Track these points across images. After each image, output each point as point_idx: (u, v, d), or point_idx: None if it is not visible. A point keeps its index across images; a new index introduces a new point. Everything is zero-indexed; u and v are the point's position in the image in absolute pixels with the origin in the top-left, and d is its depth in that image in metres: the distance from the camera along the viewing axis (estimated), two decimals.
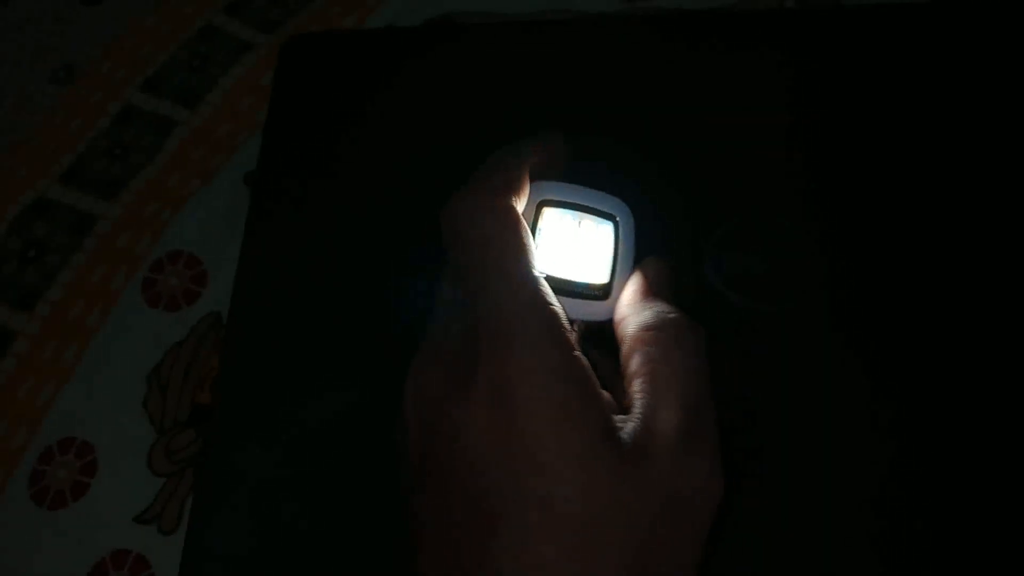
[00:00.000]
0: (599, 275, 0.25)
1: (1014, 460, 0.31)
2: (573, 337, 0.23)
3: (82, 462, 0.36)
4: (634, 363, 0.23)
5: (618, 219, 0.26)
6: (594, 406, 0.21)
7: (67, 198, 0.43)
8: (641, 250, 0.26)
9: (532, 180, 0.26)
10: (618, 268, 0.25)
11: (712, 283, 0.35)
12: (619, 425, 0.22)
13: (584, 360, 0.22)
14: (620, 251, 0.26)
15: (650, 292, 0.25)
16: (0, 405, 0.37)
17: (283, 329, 0.36)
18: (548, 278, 0.24)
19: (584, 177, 0.26)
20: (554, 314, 0.22)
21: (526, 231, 0.24)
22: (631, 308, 0.25)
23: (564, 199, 0.26)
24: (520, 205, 0.25)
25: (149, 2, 0.50)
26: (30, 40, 0.49)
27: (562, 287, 0.25)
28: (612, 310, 0.25)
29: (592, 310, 0.25)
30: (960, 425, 0.31)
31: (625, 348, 0.24)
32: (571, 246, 0.25)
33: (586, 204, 0.26)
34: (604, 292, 0.25)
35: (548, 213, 0.25)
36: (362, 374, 0.34)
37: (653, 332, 0.23)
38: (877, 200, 0.36)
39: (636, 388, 0.23)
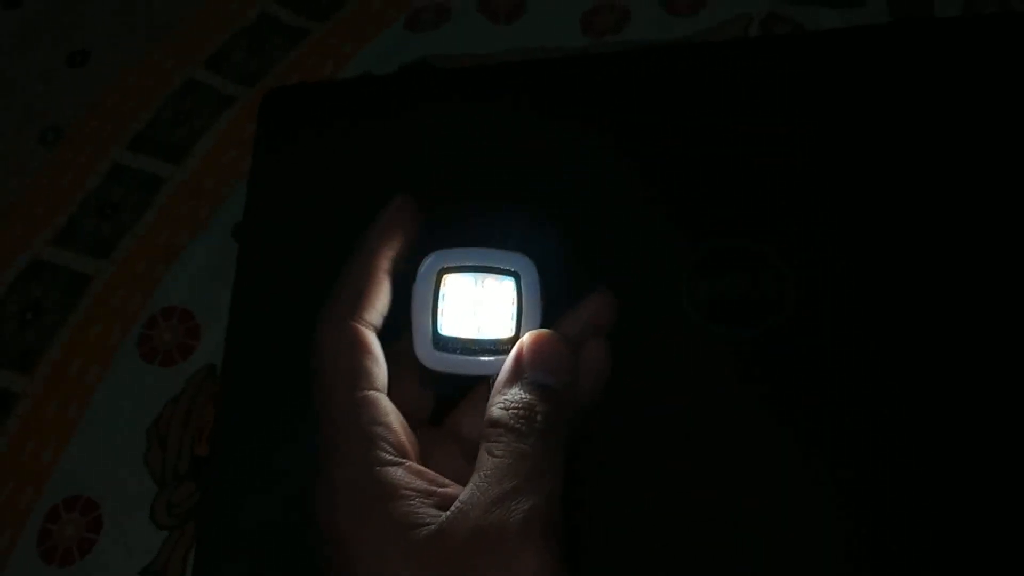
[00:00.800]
0: (504, 330, 0.27)
1: (1011, 466, 0.32)
2: (390, 453, 0.25)
3: (88, 519, 0.37)
4: (480, 452, 0.25)
5: (519, 273, 0.27)
6: (388, 512, 0.24)
7: (61, 259, 0.44)
8: (549, 297, 0.28)
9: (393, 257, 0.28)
10: (523, 320, 0.27)
11: (687, 311, 0.36)
12: (425, 519, 0.23)
13: (392, 474, 0.24)
14: (524, 304, 0.27)
15: (511, 377, 0.26)
16: (6, 466, 0.39)
17: (275, 378, 0.37)
18: (455, 340, 0.27)
19: (487, 238, 0.28)
20: (362, 438, 0.25)
21: (362, 354, 0.26)
22: (493, 396, 0.26)
23: (463, 263, 0.27)
24: (373, 316, 0.27)
25: (132, 60, 0.51)
26: (17, 103, 0.51)
27: (470, 347, 0.27)
28: None
29: (502, 363, 0.26)
30: (946, 450, 0.32)
31: (481, 434, 0.25)
32: (474, 306, 0.27)
33: (486, 264, 0.27)
34: (512, 344, 0.26)
35: (449, 279, 0.27)
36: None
37: (495, 427, 0.25)
38: (849, 221, 0.37)
39: (470, 481, 0.24)
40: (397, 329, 0.28)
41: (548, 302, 0.28)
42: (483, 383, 0.29)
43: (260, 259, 0.40)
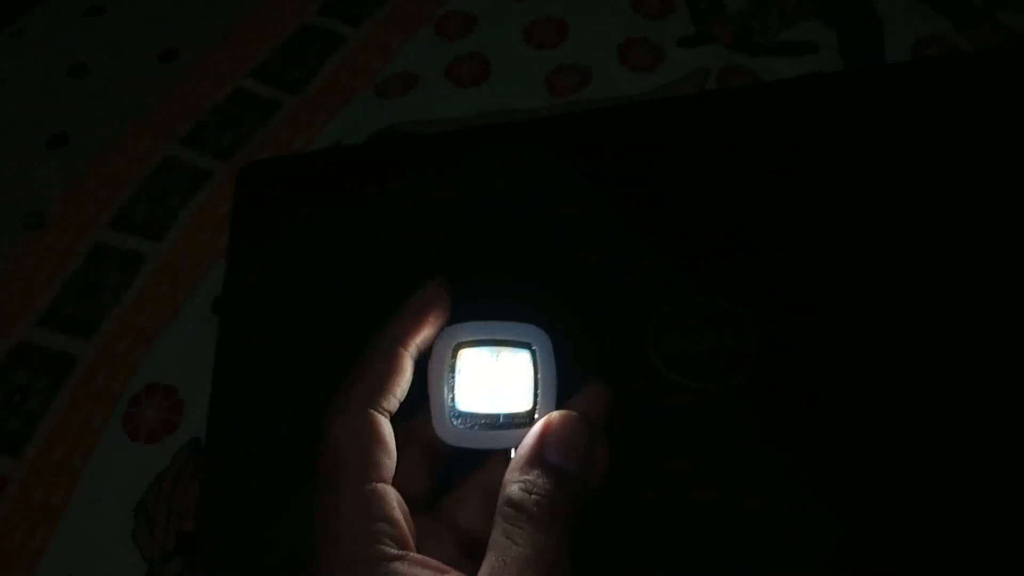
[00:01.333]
0: (522, 403, 0.27)
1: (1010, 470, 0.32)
2: (393, 547, 0.25)
3: None
4: (493, 530, 0.25)
5: (534, 346, 0.27)
6: None
7: (45, 340, 0.45)
8: (562, 370, 0.28)
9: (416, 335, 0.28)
10: (540, 392, 0.27)
11: (655, 365, 0.37)
12: None
13: (396, 568, 0.24)
14: (540, 376, 0.27)
15: (532, 458, 0.26)
16: None
17: (259, 452, 0.38)
18: (473, 415, 0.27)
19: (498, 311, 0.28)
20: (369, 534, 0.25)
21: (374, 444, 0.26)
22: (511, 474, 0.26)
23: (478, 337, 0.27)
24: (390, 402, 0.27)
25: (110, 141, 0.52)
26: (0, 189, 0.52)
27: (488, 422, 0.27)
28: None
29: (520, 437, 0.26)
30: (926, 475, 0.33)
31: (496, 511, 0.26)
32: (491, 380, 0.27)
33: (501, 337, 0.27)
34: (529, 418, 0.27)
35: (464, 354, 0.27)
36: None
37: (514, 508, 0.25)
38: (812, 271, 0.38)
39: (487, 556, 0.25)
40: (403, 410, 0.29)
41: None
42: (474, 473, 0.29)
43: (241, 332, 0.41)
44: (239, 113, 0.52)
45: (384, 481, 0.26)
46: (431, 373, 0.28)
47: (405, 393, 0.28)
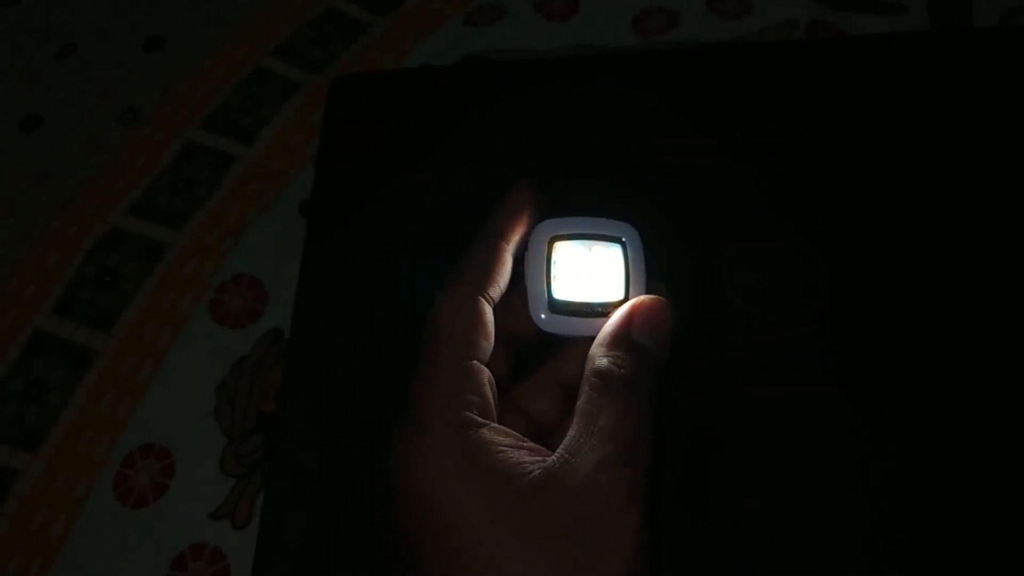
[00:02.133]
0: (615, 294, 0.28)
1: (1014, 462, 0.33)
2: (475, 418, 0.26)
3: (161, 465, 0.39)
4: (580, 400, 0.26)
5: (625, 240, 0.29)
6: (490, 467, 0.25)
7: (137, 228, 0.47)
8: (651, 265, 0.29)
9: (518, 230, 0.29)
10: (631, 284, 0.28)
11: (727, 294, 0.38)
12: (528, 467, 0.25)
13: (483, 434, 0.26)
14: (631, 269, 0.28)
15: (620, 336, 0.27)
16: (84, 417, 0.41)
17: (340, 342, 0.40)
18: (568, 303, 0.28)
19: (590, 209, 0.29)
20: (460, 403, 0.26)
21: (477, 326, 0.27)
22: (599, 348, 0.27)
23: (572, 231, 0.29)
24: (495, 291, 0.28)
25: (205, 47, 0.54)
26: (97, 85, 0.54)
27: (582, 310, 0.28)
28: None
29: None
30: (966, 428, 0.34)
31: (582, 381, 0.27)
32: (585, 271, 0.28)
33: (594, 232, 0.29)
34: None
35: (560, 246, 0.29)
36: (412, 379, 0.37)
37: (602, 379, 0.26)
38: (884, 219, 0.39)
39: (573, 423, 0.26)
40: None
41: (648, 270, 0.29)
42: (547, 366, 0.31)
43: (327, 233, 0.43)
44: (331, 31, 0.54)
45: (480, 361, 0.28)
46: (528, 264, 0.29)
47: (507, 283, 0.29)
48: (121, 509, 0.39)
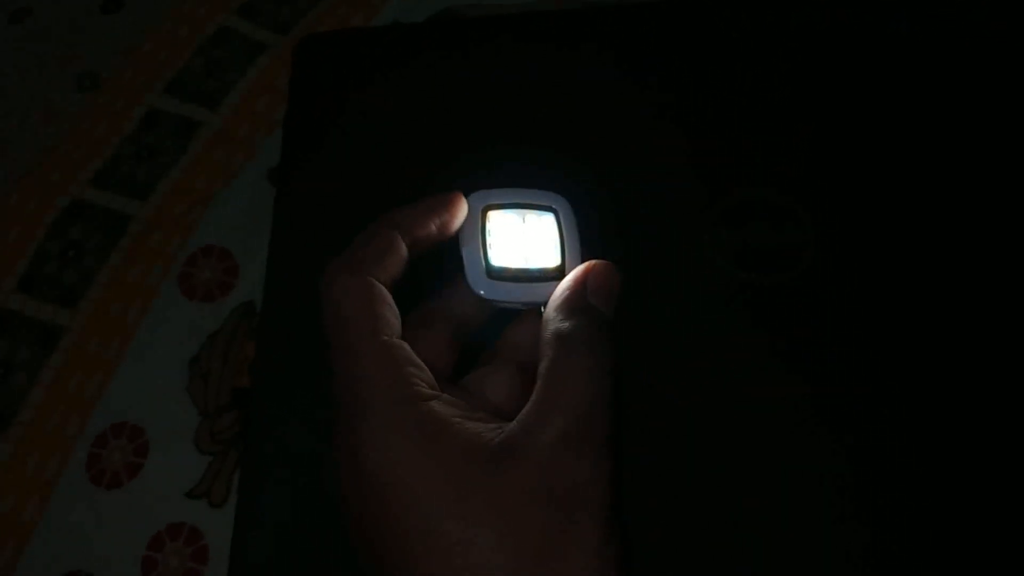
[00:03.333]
0: (551, 259, 0.28)
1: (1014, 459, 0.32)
2: (421, 390, 0.25)
3: (134, 444, 0.39)
4: (541, 366, 0.25)
5: (556, 208, 0.29)
6: (447, 439, 0.24)
7: (100, 200, 0.45)
8: (590, 233, 0.29)
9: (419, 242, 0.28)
10: (566, 250, 0.28)
11: (712, 256, 0.37)
12: (489, 437, 0.24)
13: (433, 407, 0.24)
14: (565, 236, 0.28)
15: (575, 299, 0.27)
16: (52, 397, 0.40)
17: (313, 313, 0.39)
18: (505, 269, 0.28)
19: (522, 180, 0.29)
20: (397, 378, 0.25)
21: (377, 301, 0.26)
22: (554, 312, 0.27)
23: (504, 201, 0.29)
24: (388, 272, 0.27)
25: (164, 7, 0.52)
26: (53, 49, 0.52)
27: (520, 275, 0.28)
28: None
29: (551, 290, 0.28)
30: (965, 413, 0.33)
31: (540, 348, 0.26)
32: (520, 239, 0.28)
33: (526, 202, 0.29)
34: (559, 272, 0.28)
35: (493, 216, 0.29)
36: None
37: (562, 340, 0.25)
38: (872, 172, 0.38)
39: (534, 391, 0.25)
40: (415, 299, 0.29)
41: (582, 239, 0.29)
42: (498, 350, 0.30)
43: (297, 200, 0.42)
44: None
45: (397, 336, 0.26)
46: (463, 233, 0.29)
47: (399, 272, 0.28)
48: (95, 490, 0.38)
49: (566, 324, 0.26)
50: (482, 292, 0.28)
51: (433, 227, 0.28)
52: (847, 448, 0.33)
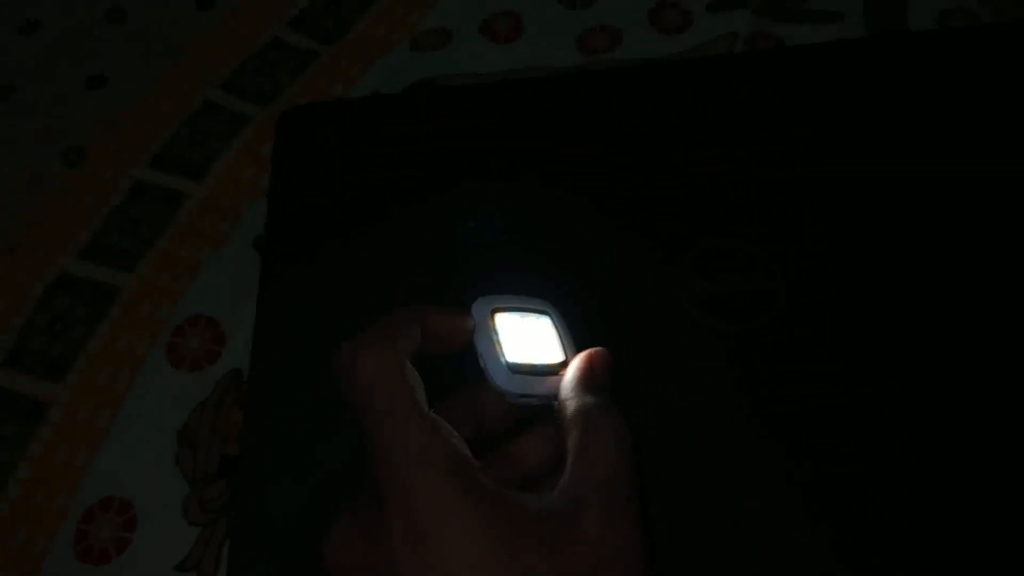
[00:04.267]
0: (555, 356, 0.30)
1: (1006, 465, 0.34)
2: (469, 458, 0.25)
3: (123, 518, 0.39)
4: (569, 441, 0.27)
5: (549, 313, 0.31)
6: (501, 506, 0.24)
7: (87, 272, 0.46)
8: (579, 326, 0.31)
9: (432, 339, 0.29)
10: (566, 348, 0.31)
11: (684, 305, 0.38)
12: (536, 506, 0.24)
13: (481, 477, 0.24)
14: (562, 334, 0.31)
15: (587, 380, 0.29)
16: (40, 471, 0.40)
17: (300, 379, 0.40)
18: (519, 365, 0.29)
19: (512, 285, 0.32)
20: (446, 447, 0.25)
21: (409, 374, 0.26)
22: (571, 392, 0.28)
23: (507, 305, 0.31)
24: (408, 349, 0.27)
25: (148, 83, 0.53)
26: (38, 125, 0.53)
27: (532, 370, 0.30)
28: None
29: (558, 382, 0.30)
30: (939, 446, 0.34)
31: (563, 427, 0.27)
32: (525, 338, 0.30)
33: (523, 306, 0.31)
34: (563, 367, 0.30)
35: (500, 317, 0.30)
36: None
37: (586, 416, 0.27)
38: (834, 223, 0.40)
39: (567, 464, 0.26)
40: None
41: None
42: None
43: (282, 268, 0.43)
44: (277, 61, 0.53)
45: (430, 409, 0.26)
46: (478, 335, 0.30)
47: (416, 358, 0.28)
48: (82, 567, 0.38)
49: (589, 399, 0.27)
50: (505, 386, 0.29)
51: (444, 330, 0.29)
52: (814, 494, 0.34)
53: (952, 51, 0.46)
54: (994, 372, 0.35)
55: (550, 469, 0.28)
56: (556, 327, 0.31)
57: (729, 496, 0.34)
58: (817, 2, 0.52)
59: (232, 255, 0.45)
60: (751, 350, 0.37)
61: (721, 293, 0.39)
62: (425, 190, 0.43)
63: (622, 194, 0.42)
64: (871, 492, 0.34)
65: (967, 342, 0.36)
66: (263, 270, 0.43)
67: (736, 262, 0.39)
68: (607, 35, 0.52)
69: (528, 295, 0.32)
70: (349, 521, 0.26)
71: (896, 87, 0.44)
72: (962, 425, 0.35)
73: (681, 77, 0.47)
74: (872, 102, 0.44)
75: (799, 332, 0.37)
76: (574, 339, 0.31)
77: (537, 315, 0.31)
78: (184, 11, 0.57)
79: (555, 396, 0.29)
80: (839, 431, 0.35)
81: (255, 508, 0.37)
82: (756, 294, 0.38)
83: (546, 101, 0.47)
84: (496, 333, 0.30)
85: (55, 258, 0.46)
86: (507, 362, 0.29)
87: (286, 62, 0.53)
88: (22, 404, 0.42)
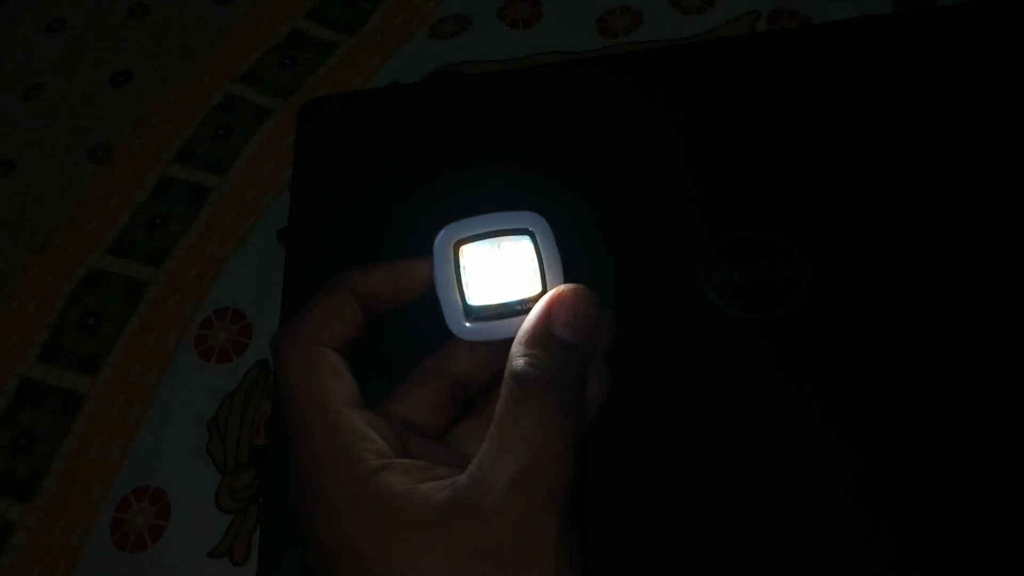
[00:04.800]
0: (531, 289, 0.27)
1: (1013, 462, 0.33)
2: (376, 461, 0.24)
3: (157, 507, 0.39)
4: (497, 407, 0.24)
5: (533, 231, 0.27)
6: (395, 510, 0.23)
7: (116, 268, 0.47)
8: (565, 252, 0.28)
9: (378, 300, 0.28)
10: (547, 275, 0.27)
11: (705, 294, 0.38)
12: (440, 497, 0.23)
13: (381, 480, 0.24)
14: (544, 259, 0.27)
15: (538, 330, 0.25)
16: (76, 463, 0.41)
17: None
18: (485, 308, 0.27)
19: (496, 203, 0.28)
20: (345, 453, 0.24)
21: (326, 373, 0.26)
22: (517, 347, 0.25)
23: (475, 232, 0.27)
24: (340, 335, 0.27)
25: (171, 78, 0.54)
26: (64, 123, 0.54)
27: (500, 311, 0.26)
28: None
29: None
30: (953, 431, 0.34)
31: (502, 387, 0.25)
32: (497, 271, 0.27)
33: (498, 228, 0.27)
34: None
35: (466, 250, 0.27)
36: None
37: (519, 383, 0.24)
38: (861, 210, 0.39)
39: (488, 435, 0.24)
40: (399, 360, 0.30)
41: (568, 267, 0.27)
42: (487, 403, 0.29)
43: (307, 261, 0.43)
44: (296, 53, 0.53)
45: (347, 404, 0.26)
46: (436, 275, 0.27)
47: (354, 333, 0.28)
48: (120, 554, 0.39)
49: (521, 363, 0.24)
50: (464, 335, 0.27)
51: (389, 291, 0.28)
52: (838, 485, 0.33)
53: (984, 25, 0.45)
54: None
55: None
56: (538, 250, 0.27)
57: (747, 487, 0.34)
58: None
59: (257, 248, 0.46)
60: (775, 339, 0.37)
61: (744, 281, 0.38)
62: (448, 179, 0.43)
63: (644, 177, 0.42)
64: (901, 482, 0.33)
65: (1000, 331, 0.36)
66: (287, 262, 0.43)
67: (761, 251, 0.39)
68: (627, 17, 0.51)
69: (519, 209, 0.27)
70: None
71: (927, 65, 0.43)
72: (994, 415, 0.34)
73: (704, 59, 0.46)
74: (901, 81, 0.43)
75: (824, 321, 0.37)
76: (569, 269, 0.27)
77: (516, 237, 0.27)
78: (204, 5, 0.57)
79: None
80: (865, 422, 0.35)
81: (285, 497, 0.38)
82: (781, 284, 0.38)
83: (567, 87, 0.46)
84: (460, 270, 0.27)
85: (84, 255, 0.47)
86: (467, 305, 0.27)
87: (305, 54, 0.53)
88: (57, 398, 0.43)
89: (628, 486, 0.34)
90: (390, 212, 0.44)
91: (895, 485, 0.33)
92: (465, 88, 0.48)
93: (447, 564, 0.22)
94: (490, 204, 0.29)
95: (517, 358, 0.24)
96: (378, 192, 0.44)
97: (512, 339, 0.26)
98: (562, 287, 0.26)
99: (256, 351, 0.43)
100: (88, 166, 0.51)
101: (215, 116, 0.51)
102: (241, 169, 0.49)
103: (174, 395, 0.42)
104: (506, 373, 0.25)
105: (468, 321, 0.27)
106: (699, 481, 0.34)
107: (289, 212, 0.45)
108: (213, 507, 0.39)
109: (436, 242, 0.27)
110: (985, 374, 0.35)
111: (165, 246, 0.47)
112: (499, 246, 0.27)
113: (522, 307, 0.27)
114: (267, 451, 0.40)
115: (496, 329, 0.27)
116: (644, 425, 0.35)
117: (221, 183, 0.49)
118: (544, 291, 0.26)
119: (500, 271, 0.27)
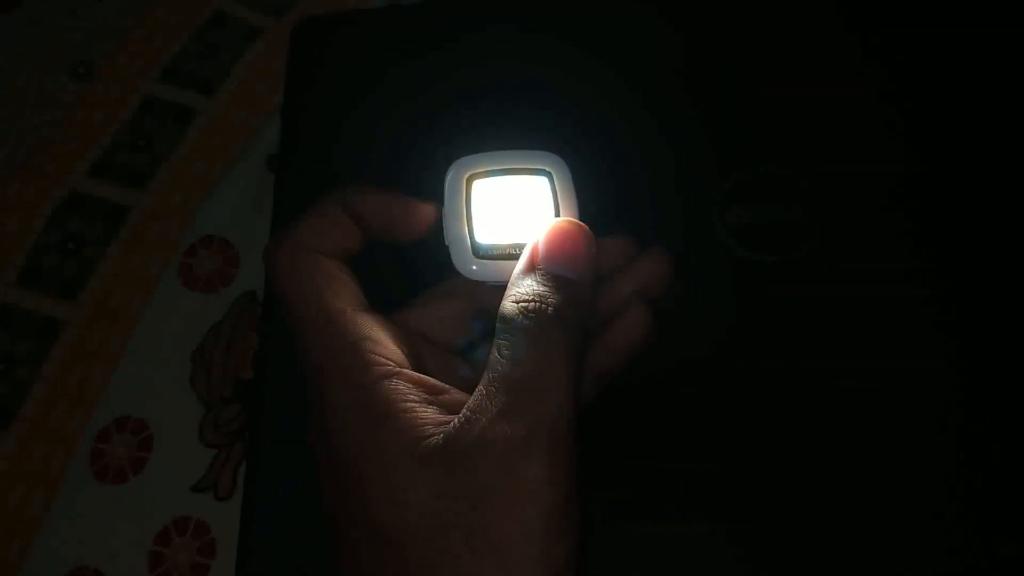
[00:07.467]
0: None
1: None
2: (382, 365, 0.23)
3: (138, 438, 0.38)
4: (491, 354, 0.23)
5: (550, 170, 0.26)
6: (389, 427, 0.22)
7: (98, 190, 0.45)
8: (582, 195, 0.26)
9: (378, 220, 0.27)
10: (563, 216, 0.26)
11: (719, 233, 0.36)
12: (429, 432, 0.22)
13: (385, 387, 0.23)
14: (560, 202, 0.26)
15: (528, 267, 0.24)
16: (55, 391, 0.40)
17: None
18: (493, 247, 0.25)
19: (516, 141, 0.27)
20: (347, 353, 0.23)
21: (322, 276, 0.25)
22: (510, 285, 0.24)
23: (490, 167, 0.26)
24: (336, 245, 0.26)
25: None
26: (46, 38, 0.51)
27: (510, 252, 0.25)
28: None
29: None
30: (970, 398, 0.33)
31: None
32: (509, 210, 0.26)
33: (514, 165, 0.26)
34: None
35: (477, 185, 0.26)
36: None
37: (505, 323, 0.23)
38: (880, 152, 0.38)
39: (481, 382, 0.23)
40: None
41: (584, 208, 0.26)
42: None
43: (297, 187, 0.41)
44: None
45: (352, 306, 0.25)
46: (446, 210, 0.26)
47: (351, 246, 0.27)
48: (99, 486, 0.38)
49: (507, 302, 0.23)
50: (471, 275, 0.26)
51: (382, 219, 0.27)
52: (849, 430, 0.32)
53: None
54: None
55: None
56: (555, 191, 0.25)
57: (752, 436, 0.33)
58: None
59: (245, 174, 0.44)
60: (788, 281, 0.35)
61: (756, 222, 0.37)
62: (445, 105, 0.41)
63: (654, 115, 0.40)
64: (912, 433, 0.32)
65: (1013, 285, 0.34)
66: (276, 189, 0.41)
67: (773, 191, 0.37)
68: None
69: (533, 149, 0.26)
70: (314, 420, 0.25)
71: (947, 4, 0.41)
72: (987, 409, 0.33)
73: None
74: (921, 21, 0.41)
75: (833, 266, 0.35)
76: (580, 207, 0.26)
77: (532, 176, 0.26)
78: None
79: None
80: (871, 374, 0.33)
81: (271, 431, 0.36)
82: (792, 224, 0.36)
83: (575, 15, 0.44)
84: (471, 205, 0.26)
85: (65, 176, 0.45)
86: (475, 243, 0.25)
87: None
88: (36, 323, 0.41)
89: (637, 435, 0.33)
90: (386, 142, 0.42)
91: (904, 439, 0.32)
92: (466, 11, 0.45)
93: (433, 504, 0.21)
94: (497, 139, 0.28)
95: (506, 300, 0.24)
96: (374, 120, 0.42)
97: None
98: (550, 222, 0.25)
99: (243, 282, 0.41)
100: (70, 83, 0.49)
101: (203, 34, 0.49)
102: (230, 91, 0.47)
103: (157, 324, 0.41)
104: (499, 314, 0.24)
105: (475, 260, 0.26)
106: (708, 431, 0.33)
107: (279, 138, 0.43)
108: (197, 441, 0.38)
109: (449, 174, 0.26)
110: (995, 329, 0.34)
111: (149, 169, 0.45)
112: (514, 184, 0.26)
113: None
114: (254, 384, 0.39)
115: (504, 270, 0.25)
116: (654, 371, 0.33)
117: (208, 105, 0.46)
118: None
119: (512, 210, 0.26)
